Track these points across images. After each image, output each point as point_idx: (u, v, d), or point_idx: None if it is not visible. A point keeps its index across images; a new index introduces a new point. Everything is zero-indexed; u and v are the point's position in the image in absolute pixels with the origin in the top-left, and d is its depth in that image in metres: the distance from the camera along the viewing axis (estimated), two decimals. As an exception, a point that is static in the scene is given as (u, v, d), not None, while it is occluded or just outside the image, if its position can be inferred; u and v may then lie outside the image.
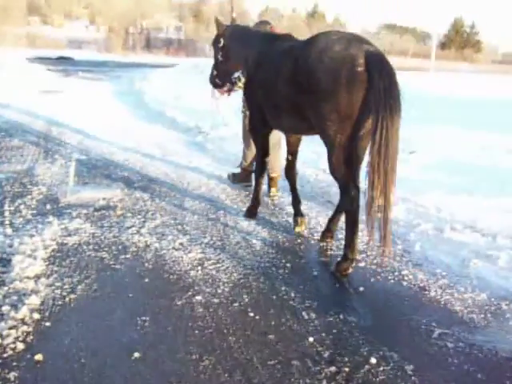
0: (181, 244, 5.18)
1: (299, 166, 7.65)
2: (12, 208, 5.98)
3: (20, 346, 3.38)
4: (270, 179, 6.97)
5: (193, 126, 11.84)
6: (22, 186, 6.87)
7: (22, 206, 6.04)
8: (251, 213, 6.08)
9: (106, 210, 6.10)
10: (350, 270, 4.70)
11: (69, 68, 29.70)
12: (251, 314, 3.93)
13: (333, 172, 4.65)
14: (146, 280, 4.39)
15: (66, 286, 4.19)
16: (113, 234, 5.35)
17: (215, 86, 6.61)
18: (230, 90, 6.68)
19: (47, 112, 13.28)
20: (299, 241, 5.47)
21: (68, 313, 3.82)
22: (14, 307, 3.81)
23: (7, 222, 5.52)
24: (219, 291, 4.26)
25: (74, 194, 6.63)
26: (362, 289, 4.46)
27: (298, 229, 5.73)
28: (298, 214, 5.82)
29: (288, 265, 4.84)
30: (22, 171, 7.54)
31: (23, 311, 3.75)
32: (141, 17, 60.29)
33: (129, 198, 6.57)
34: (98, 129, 11.23)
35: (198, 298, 4.13)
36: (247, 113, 6.47)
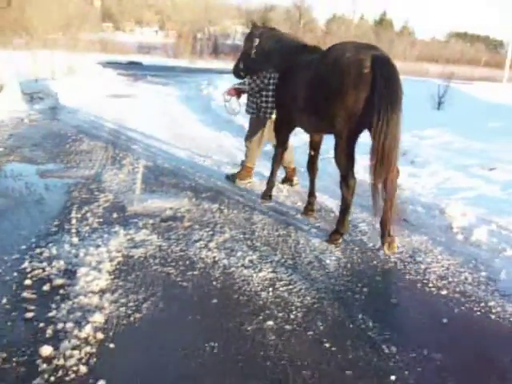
0: (250, 261, 4.93)
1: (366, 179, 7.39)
2: (79, 215, 5.88)
3: (83, 369, 3.20)
4: (292, 170, 7.74)
5: (261, 134, 11.62)
6: (89, 192, 6.80)
7: (88, 214, 5.93)
8: (266, 195, 6.93)
9: (173, 220, 5.92)
10: (340, 241, 5.52)
11: (138, 73, 30.07)
12: (327, 345, 3.63)
13: (337, 161, 5.34)
14: (215, 300, 4.15)
15: (131, 304, 4.00)
16: (180, 248, 5.15)
17: (238, 76, 7.25)
18: (239, 93, 7.49)
19: (116, 116, 13.36)
20: (375, 262, 5.12)
21: (133, 334, 3.62)
22: (78, 324, 3.65)
23: (74, 230, 5.42)
24: (292, 317, 3.98)
25: (141, 202, 6.49)
26: (445, 320, 4.08)
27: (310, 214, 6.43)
28: (311, 203, 6.48)
29: (365, 289, 4.51)
30: (90, 177, 7.48)
31: (87, 330, 3.58)
32: (209, 23, 60.80)
33: (196, 209, 6.38)
34: (165, 134, 11.17)
35: (270, 323, 3.87)
36: (261, 115, 7.30)
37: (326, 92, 5.08)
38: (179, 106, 16.77)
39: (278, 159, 6.86)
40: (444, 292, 4.55)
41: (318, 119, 5.44)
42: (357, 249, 5.43)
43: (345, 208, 5.50)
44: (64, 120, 12.71)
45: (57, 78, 20.13)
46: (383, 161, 4.80)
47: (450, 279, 4.82)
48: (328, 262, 5.05)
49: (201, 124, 13.14)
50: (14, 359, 3.26)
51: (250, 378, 3.24)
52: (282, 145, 6.72)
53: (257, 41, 6.71)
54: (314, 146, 6.43)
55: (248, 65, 6.95)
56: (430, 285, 4.67)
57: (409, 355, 3.57)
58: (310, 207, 6.46)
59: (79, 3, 53.17)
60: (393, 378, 3.31)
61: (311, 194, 6.52)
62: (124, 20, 66.05)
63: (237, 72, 7.15)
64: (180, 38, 54.67)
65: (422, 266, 5.06)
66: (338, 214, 6.36)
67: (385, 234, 5.24)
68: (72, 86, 17.77)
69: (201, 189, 7.24)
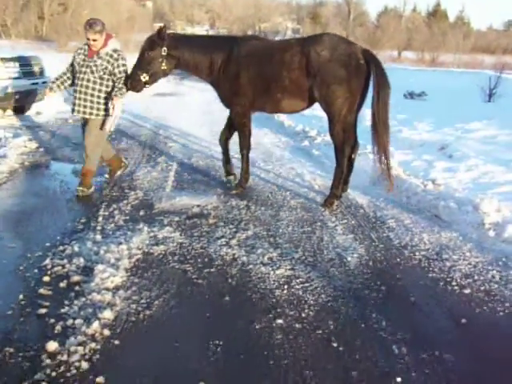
0: (270, 259, 4.87)
1: (405, 176, 7.22)
2: (106, 213, 5.95)
3: (84, 365, 3.21)
4: (114, 161, 7.37)
5: (300, 130, 11.55)
6: (120, 190, 6.87)
7: (115, 212, 5.99)
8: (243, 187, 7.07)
9: (199, 218, 5.91)
10: (336, 204, 6.45)
11: (186, 71, 30.29)
12: (334, 345, 3.54)
13: (334, 136, 6.33)
14: (227, 298, 4.12)
15: (143, 301, 4.01)
16: (201, 245, 5.14)
17: (139, 90, 6.72)
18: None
19: (158, 115, 13.52)
20: (398, 260, 4.98)
21: (139, 331, 3.62)
22: (87, 321, 3.67)
23: (99, 228, 5.47)
24: (303, 315, 3.90)
25: (170, 199, 6.52)
26: (464, 321, 3.93)
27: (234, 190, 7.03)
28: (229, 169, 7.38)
29: (383, 288, 4.39)
30: (123, 175, 7.53)
31: (95, 326, 3.60)
32: (259, 20, 60.91)
33: (223, 206, 6.36)
34: (204, 132, 11.21)
35: (279, 321, 3.80)
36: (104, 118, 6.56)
37: (325, 77, 6.05)
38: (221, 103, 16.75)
39: (248, 146, 7.00)
40: (467, 291, 4.39)
41: (300, 99, 6.39)
42: (381, 246, 5.29)
43: (341, 172, 6.39)
44: (107, 119, 12.91)
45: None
46: (384, 127, 6.11)
47: (476, 277, 4.65)
48: (349, 259, 4.94)
49: (241, 121, 13.10)
50: (19, 354, 3.30)
51: (249, 379, 3.19)
52: (249, 131, 6.95)
53: (164, 50, 6.51)
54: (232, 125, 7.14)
55: (157, 75, 6.70)
56: (453, 283, 4.52)
57: (419, 356, 3.45)
58: (229, 171, 7.36)
59: (132, 5, 54.30)
60: (399, 379, 3.20)
61: (227, 161, 7.33)
62: (175, 19, 66.81)
63: (141, 86, 6.63)
64: (230, 35, 54.99)
65: (448, 264, 4.90)
66: (368, 210, 6.29)
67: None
68: (118, 86, 18.02)
69: (231, 186, 7.21)
